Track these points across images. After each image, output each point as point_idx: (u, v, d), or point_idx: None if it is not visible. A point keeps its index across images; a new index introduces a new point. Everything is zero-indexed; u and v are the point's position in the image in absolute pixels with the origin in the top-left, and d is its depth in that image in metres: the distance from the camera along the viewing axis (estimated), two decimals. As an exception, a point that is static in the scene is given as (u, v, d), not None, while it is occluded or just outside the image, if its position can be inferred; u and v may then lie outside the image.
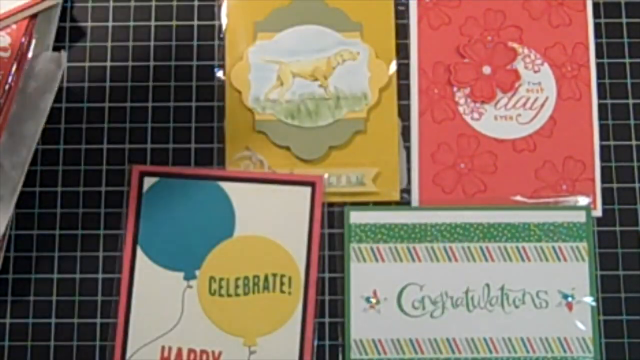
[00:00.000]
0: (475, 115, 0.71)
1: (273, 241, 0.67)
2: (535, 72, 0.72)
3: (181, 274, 0.67)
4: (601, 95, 0.72)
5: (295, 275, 0.67)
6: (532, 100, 0.71)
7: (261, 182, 0.68)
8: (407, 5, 0.73)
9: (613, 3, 0.73)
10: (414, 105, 0.71)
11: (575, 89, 0.71)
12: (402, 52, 0.72)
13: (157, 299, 0.67)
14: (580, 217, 0.68)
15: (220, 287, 0.67)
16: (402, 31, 0.73)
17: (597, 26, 0.73)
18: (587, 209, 0.69)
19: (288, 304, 0.67)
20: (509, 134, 0.71)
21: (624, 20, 0.73)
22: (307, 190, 0.68)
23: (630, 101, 0.72)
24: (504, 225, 0.68)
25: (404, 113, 0.71)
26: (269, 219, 0.68)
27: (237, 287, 0.67)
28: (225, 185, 0.68)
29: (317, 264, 0.67)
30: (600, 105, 0.71)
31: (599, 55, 0.72)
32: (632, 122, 0.72)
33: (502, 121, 0.71)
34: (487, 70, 0.72)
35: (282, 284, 0.67)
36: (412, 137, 0.71)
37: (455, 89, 0.72)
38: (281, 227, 0.68)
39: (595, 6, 0.73)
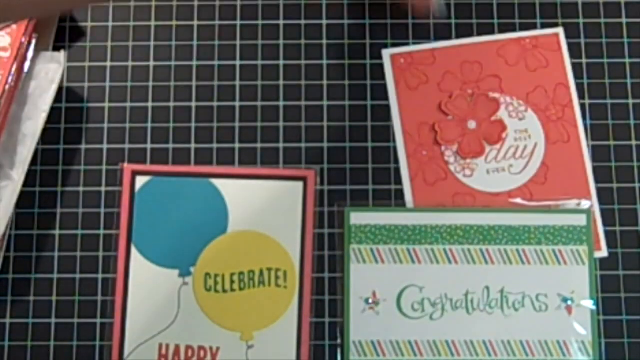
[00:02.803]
0: (467, 172, 0.70)
1: (267, 236, 0.68)
2: (520, 119, 0.71)
3: (176, 271, 0.68)
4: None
5: (290, 269, 0.67)
6: (522, 149, 0.70)
7: (253, 178, 0.69)
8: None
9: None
10: (404, 170, 0.71)
11: (563, 131, 0.71)
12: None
13: (153, 297, 0.67)
14: (580, 220, 0.68)
15: (216, 283, 0.67)
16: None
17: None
18: (588, 212, 0.69)
19: (284, 297, 0.67)
20: (503, 187, 0.70)
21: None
22: (299, 185, 0.69)
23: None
24: (505, 227, 0.68)
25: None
26: (262, 214, 0.68)
27: (232, 282, 0.67)
28: (217, 182, 0.69)
29: (312, 257, 0.67)
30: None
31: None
32: (632, 122, 0.72)
33: (495, 174, 0.70)
34: (472, 124, 0.71)
35: (277, 278, 0.67)
36: (406, 201, 0.70)
37: (443, 147, 0.71)
38: (274, 222, 0.68)
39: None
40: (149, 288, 0.67)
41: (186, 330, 0.67)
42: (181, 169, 0.69)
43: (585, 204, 0.69)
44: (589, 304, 0.67)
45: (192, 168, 0.69)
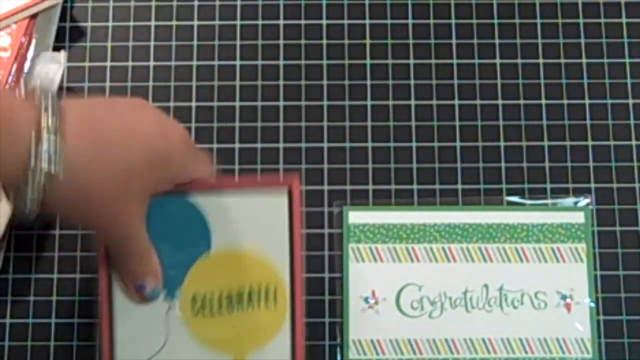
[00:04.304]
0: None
1: (253, 252, 0.63)
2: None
3: (161, 296, 0.63)
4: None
5: (281, 287, 0.63)
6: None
7: (232, 191, 0.64)
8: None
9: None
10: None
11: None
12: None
13: (140, 323, 0.63)
14: (579, 218, 0.68)
15: (204, 306, 0.63)
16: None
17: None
18: (586, 210, 0.69)
19: (275, 316, 0.63)
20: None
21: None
22: (283, 194, 0.63)
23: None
24: (503, 225, 0.68)
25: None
26: (246, 230, 0.64)
27: (220, 305, 0.63)
28: (195, 199, 0.63)
29: (301, 271, 0.63)
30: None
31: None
32: (632, 122, 0.72)
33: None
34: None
35: (267, 297, 0.63)
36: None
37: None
38: (260, 236, 0.64)
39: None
40: (134, 314, 0.63)
41: (177, 355, 0.63)
42: None
43: (583, 202, 0.69)
44: (588, 301, 0.67)
45: None
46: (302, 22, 0.74)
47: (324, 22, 0.74)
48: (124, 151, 0.53)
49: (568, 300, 0.67)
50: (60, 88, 0.71)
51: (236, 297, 0.63)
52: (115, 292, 0.63)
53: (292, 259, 0.63)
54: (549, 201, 0.69)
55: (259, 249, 0.63)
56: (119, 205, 0.54)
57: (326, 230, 0.69)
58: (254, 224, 0.64)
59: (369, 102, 0.72)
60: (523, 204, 0.69)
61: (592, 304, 0.67)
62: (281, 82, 0.73)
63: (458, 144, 0.72)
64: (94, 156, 0.52)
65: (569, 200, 0.69)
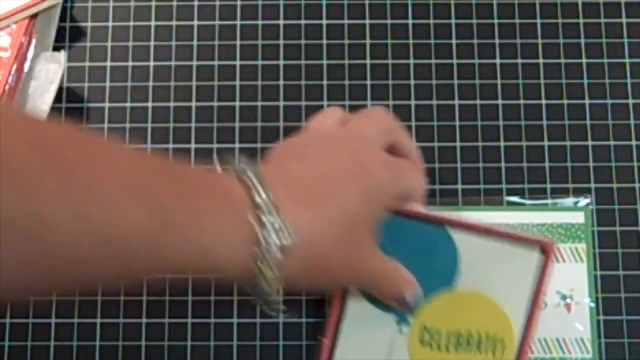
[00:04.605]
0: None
1: (493, 302, 0.63)
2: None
3: (392, 317, 0.63)
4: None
5: (509, 341, 0.63)
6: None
7: (491, 236, 0.65)
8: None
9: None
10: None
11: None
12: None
13: (362, 344, 0.63)
14: (579, 218, 0.68)
15: (432, 338, 0.62)
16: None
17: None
18: (586, 210, 0.69)
19: None
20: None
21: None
22: (536, 249, 0.65)
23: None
24: (503, 226, 0.68)
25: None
26: (493, 275, 0.64)
27: (449, 341, 0.62)
28: (455, 233, 0.64)
29: (533, 332, 0.63)
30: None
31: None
32: (632, 122, 0.72)
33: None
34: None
35: (494, 347, 0.63)
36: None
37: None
38: (503, 286, 0.63)
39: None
40: (363, 329, 0.63)
41: None
42: (419, 212, 0.65)
43: (583, 202, 0.69)
44: (588, 301, 0.67)
45: (431, 213, 0.65)
46: (302, 22, 0.74)
47: (324, 22, 0.74)
48: (336, 203, 0.51)
49: (568, 300, 0.67)
50: (60, 88, 0.71)
51: (465, 338, 0.63)
52: (347, 310, 0.63)
53: (530, 317, 0.63)
54: (549, 201, 0.69)
55: (499, 298, 0.63)
56: (352, 257, 0.53)
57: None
58: (501, 271, 0.64)
59: (369, 102, 0.72)
60: (523, 204, 0.69)
61: (592, 304, 0.67)
62: (281, 82, 0.73)
63: (458, 144, 0.72)
64: (314, 219, 0.50)
65: (569, 200, 0.69)
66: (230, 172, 0.50)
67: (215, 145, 0.71)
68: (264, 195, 0.47)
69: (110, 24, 0.74)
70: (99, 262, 0.42)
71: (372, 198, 0.54)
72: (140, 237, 0.43)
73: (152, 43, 0.73)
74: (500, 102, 0.72)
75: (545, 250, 0.65)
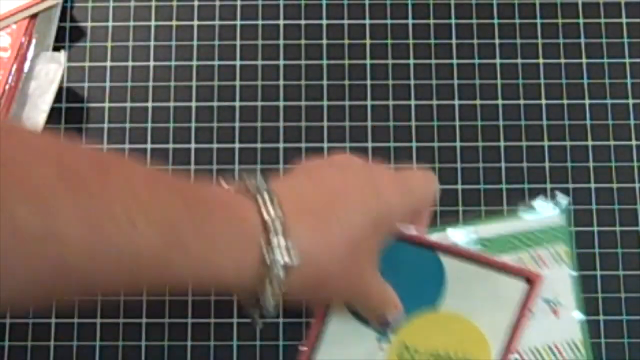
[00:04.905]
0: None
1: (474, 324, 0.63)
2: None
3: (374, 333, 0.63)
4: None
5: None
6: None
7: (480, 263, 0.64)
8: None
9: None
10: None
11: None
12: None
13: (345, 353, 0.63)
14: (557, 219, 0.68)
15: (411, 356, 0.62)
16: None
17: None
18: (564, 210, 0.68)
19: None
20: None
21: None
22: (522, 283, 0.64)
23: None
24: (484, 240, 0.67)
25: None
26: (477, 302, 0.63)
27: None
28: (444, 257, 0.64)
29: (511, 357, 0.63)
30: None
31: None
32: (632, 122, 0.72)
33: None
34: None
35: None
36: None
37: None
38: (485, 311, 0.63)
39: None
40: (343, 342, 0.63)
41: None
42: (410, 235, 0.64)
43: (561, 202, 0.69)
44: (574, 304, 0.66)
45: (423, 237, 0.64)
46: (302, 22, 0.74)
47: (324, 22, 0.74)
48: (345, 227, 0.52)
49: (555, 305, 0.66)
50: (60, 88, 0.71)
51: (443, 359, 0.63)
52: (330, 321, 0.63)
53: (507, 346, 0.63)
54: (525, 206, 0.69)
55: (480, 323, 0.63)
56: (353, 277, 0.54)
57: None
58: (486, 297, 0.64)
59: (369, 102, 0.72)
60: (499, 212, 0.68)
61: (579, 306, 0.66)
62: (281, 82, 0.73)
63: (458, 144, 0.72)
64: (321, 242, 0.50)
65: (545, 203, 0.69)
66: (242, 188, 0.50)
67: (215, 145, 0.71)
68: (273, 214, 0.48)
69: (110, 24, 0.74)
70: (109, 277, 0.43)
71: (380, 224, 0.54)
72: (152, 256, 0.43)
73: (152, 43, 0.73)
74: (500, 102, 0.72)
75: (531, 281, 0.64)
